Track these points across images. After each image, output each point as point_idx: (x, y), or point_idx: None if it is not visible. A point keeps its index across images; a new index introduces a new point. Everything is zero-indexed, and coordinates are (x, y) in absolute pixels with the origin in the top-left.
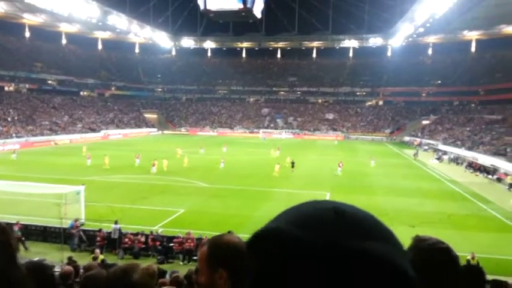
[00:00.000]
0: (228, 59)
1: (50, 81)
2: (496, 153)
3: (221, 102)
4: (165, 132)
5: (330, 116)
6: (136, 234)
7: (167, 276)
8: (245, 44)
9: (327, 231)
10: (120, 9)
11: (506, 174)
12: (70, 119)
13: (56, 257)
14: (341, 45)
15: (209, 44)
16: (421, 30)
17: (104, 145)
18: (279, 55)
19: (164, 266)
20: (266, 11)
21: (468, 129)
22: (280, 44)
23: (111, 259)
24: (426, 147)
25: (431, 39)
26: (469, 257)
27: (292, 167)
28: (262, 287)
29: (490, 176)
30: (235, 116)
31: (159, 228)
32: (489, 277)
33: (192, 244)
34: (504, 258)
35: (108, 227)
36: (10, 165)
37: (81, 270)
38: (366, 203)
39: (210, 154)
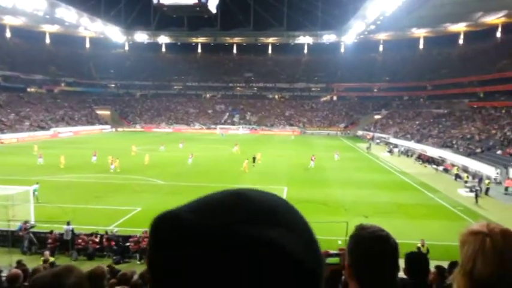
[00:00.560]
0: (183, 54)
1: None
2: (443, 146)
3: (177, 98)
4: (119, 129)
5: (287, 112)
6: (90, 234)
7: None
8: (200, 39)
9: (224, 217)
10: (69, 2)
11: (453, 165)
12: (17, 116)
13: (4, 261)
14: (296, 42)
15: (163, 39)
16: (372, 27)
17: (55, 143)
18: (234, 51)
19: (121, 266)
20: (221, 6)
21: (417, 123)
22: (236, 40)
23: (64, 261)
24: (378, 141)
25: (382, 36)
26: (419, 244)
27: (254, 162)
28: (160, 271)
29: (437, 167)
30: (192, 112)
31: (114, 228)
32: (439, 263)
33: None
34: (452, 244)
35: (60, 228)
36: None
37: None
38: (322, 196)
39: (169, 151)
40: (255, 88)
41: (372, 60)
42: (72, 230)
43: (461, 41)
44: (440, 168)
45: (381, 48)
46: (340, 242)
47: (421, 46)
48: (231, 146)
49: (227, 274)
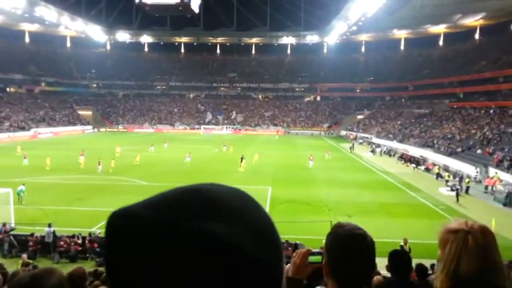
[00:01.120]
0: (166, 54)
1: None
2: (425, 145)
3: (160, 98)
4: (101, 129)
5: (270, 112)
6: (72, 236)
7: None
8: (183, 39)
9: (173, 211)
10: (49, 1)
11: (434, 165)
12: None
13: None
14: (279, 42)
15: (146, 39)
16: (354, 28)
17: (36, 144)
18: (218, 51)
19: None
20: (204, 5)
21: (399, 123)
22: (219, 40)
23: (46, 264)
24: (361, 141)
25: (364, 37)
26: (402, 243)
27: (241, 161)
28: (114, 269)
29: (419, 167)
30: (175, 113)
31: (97, 230)
32: (422, 261)
33: None
34: (434, 243)
35: (41, 230)
36: None
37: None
38: (306, 196)
39: (156, 152)
40: (239, 88)
41: (355, 60)
42: (54, 232)
43: (441, 42)
44: (422, 167)
45: (363, 49)
46: (324, 241)
47: (402, 47)
48: (216, 146)
49: (175, 271)
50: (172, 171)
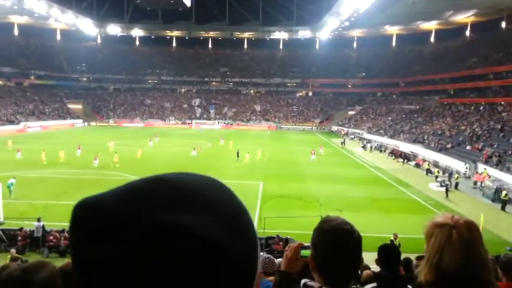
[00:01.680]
0: (157, 47)
1: None
2: (415, 141)
3: (151, 92)
4: (92, 123)
5: (262, 107)
6: (62, 231)
7: None
8: (175, 33)
9: (136, 201)
10: None
11: (424, 160)
12: None
13: None
14: (271, 37)
15: (137, 32)
16: (346, 24)
17: (27, 138)
18: (210, 45)
19: None
20: None
21: (390, 118)
22: (211, 34)
23: (35, 258)
24: (352, 136)
25: (356, 33)
26: (392, 238)
27: (238, 156)
28: (79, 260)
29: (409, 162)
30: (167, 107)
31: None
32: (411, 255)
33: None
34: (423, 237)
35: (30, 225)
36: None
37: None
38: (297, 191)
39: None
40: (231, 83)
41: (347, 56)
42: (43, 227)
43: (432, 39)
44: (412, 163)
45: (355, 44)
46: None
47: (394, 43)
48: (210, 140)
49: (138, 263)
50: (164, 165)
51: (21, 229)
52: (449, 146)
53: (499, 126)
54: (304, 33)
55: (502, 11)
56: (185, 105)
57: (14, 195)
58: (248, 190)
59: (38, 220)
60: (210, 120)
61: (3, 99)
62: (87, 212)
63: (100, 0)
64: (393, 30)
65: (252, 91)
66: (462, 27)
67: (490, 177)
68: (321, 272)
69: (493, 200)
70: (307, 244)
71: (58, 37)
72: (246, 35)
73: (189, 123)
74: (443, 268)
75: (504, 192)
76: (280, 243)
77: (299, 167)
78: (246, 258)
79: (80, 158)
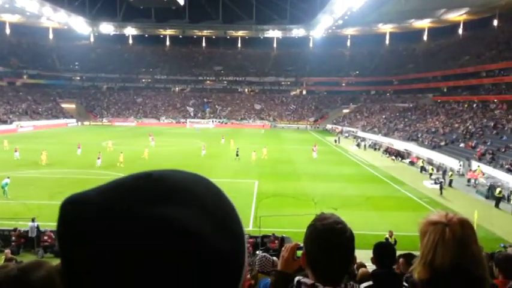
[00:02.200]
0: (151, 46)
1: None
2: (409, 139)
3: (145, 91)
4: (85, 123)
5: (257, 105)
6: None
7: None
8: (168, 31)
9: (129, 198)
10: None
11: (418, 158)
12: None
13: None
14: (265, 35)
15: (130, 31)
16: (340, 22)
17: (17, 138)
18: (204, 44)
19: None
20: None
21: (384, 116)
22: (205, 32)
23: (30, 259)
24: (347, 135)
25: (350, 31)
26: (387, 235)
27: (237, 155)
28: (67, 256)
29: (404, 160)
30: (161, 106)
31: None
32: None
33: None
34: (418, 235)
35: (24, 225)
36: None
37: None
38: (292, 189)
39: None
40: (225, 82)
41: (340, 55)
42: (38, 227)
43: (425, 37)
44: (406, 161)
45: (348, 43)
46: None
47: (387, 41)
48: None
49: (127, 259)
50: (160, 165)
51: (15, 230)
52: (443, 143)
53: (492, 124)
54: (297, 32)
55: (494, 9)
56: (179, 104)
57: (9, 196)
58: (243, 189)
59: (33, 220)
60: (204, 119)
61: None
62: (74, 208)
63: None
64: (386, 28)
65: (246, 90)
66: (455, 25)
67: (483, 174)
68: (313, 269)
69: (487, 197)
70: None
71: (51, 36)
72: (240, 33)
73: (183, 122)
74: (437, 266)
75: (498, 190)
76: (276, 241)
77: (294, 165)
78: (234, 255)
79: (80, 157)
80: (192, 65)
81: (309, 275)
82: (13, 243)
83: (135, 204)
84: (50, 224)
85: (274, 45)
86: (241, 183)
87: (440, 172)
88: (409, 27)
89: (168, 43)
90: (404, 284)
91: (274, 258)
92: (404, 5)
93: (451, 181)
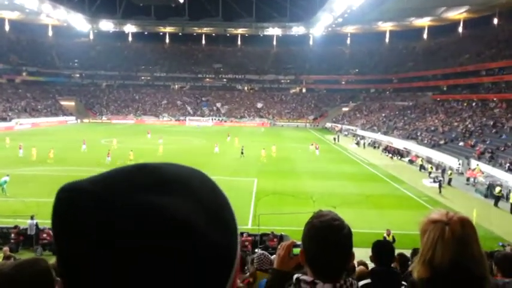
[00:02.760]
0: (150, 43)
1: None
2: (408, 137)
3: (144, 88)
4: (85, 120)
5: (256, 104)
6: None
7: None
8: (168, 29)
9: (125, 187)
10: None
11: (417, 157)
12: None
13: None
14: (265, 33)
15: (130, 28)
16: (340, 20)
17: (15, 136)
18: (203, 41)
19: None
20: None
21: (383, 115)
22: (205, 30)
23: (29, 256)
24: (346, 133)
25: (349, 29)
26: (385, 234)
27: (242, 153)
28: (62, 244)
29: (403, 159)
30: (160, 103)
31: None
32: (405, 251)
33: None
34: (417, 233)
35: (23, 223)
36: None
37: None
38: (291, 187)
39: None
40: (225, 79)
41: (340, 53)
42: (37, 225)
43: (425, 35)
44: (406, 159)
45: (348, 41)
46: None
47: (387, 40)
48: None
49: (125, 241)
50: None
51: (15, 227)
52: (442, 142)
53: (491, 123)
54: (297, 30)
55: (494, 8)
56: (178, 102)
57: (8, 193)
58: (242, 187)
59: (31, 218)
60: (203, 117)
61: None
62: (70, 196)
63: None
64: (386, 26)
65: (245, 88)
66: (455, 23)
67: (482, 173)
68: (311, 266)
69: (486, 196)
70: (300, 242)
71: (50, 33)
72: (240, 31)
73: (182, 120)
74: (436, 264)
75: (498, 189)
76: (275, 239)
77: (293, 163)
78: (226, 248)
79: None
80: (191, 63)
81: (307, 272)
82: (12, 241)
83: (130, 193)
84: (49, 221)
85: (274, 43)
86: (241, 181)
87: (440, 171)
88: (409, 26)
89: (167, 40)
90: (403, 283)
91: (273, 256)
92: (405, 3)
93: (450, 180)
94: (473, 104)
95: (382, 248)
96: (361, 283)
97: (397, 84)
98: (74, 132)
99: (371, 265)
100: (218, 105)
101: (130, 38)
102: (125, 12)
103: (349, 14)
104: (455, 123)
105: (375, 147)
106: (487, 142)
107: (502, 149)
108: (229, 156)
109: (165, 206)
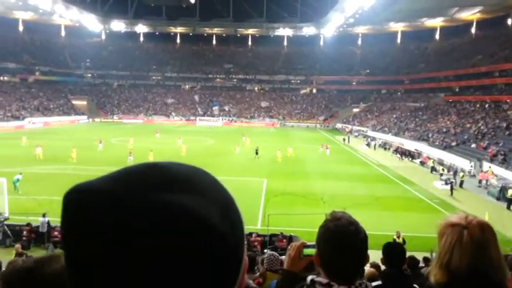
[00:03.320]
0: (161, 44)
1: None
2: (420, 139)
3: (155, 88)
4: (96, 120)
5: (266, 104)
6: None
7: None
8: (179, 29)
9: (137, 185)
10: None
11: (429, 158)
12: None
13: None
14: (276, 34)
15: (141, 28)
16: (351, 20)
17: (26, 135)
18: (214, 41)
19: None
20: None
21: (394, 116)
22: (215, 30)
23: (40, 254)
24: (357, 134)
25: (361, 29)
26: (394, 236)
27: (256, 154)
28: (72, 245)
29: (414, 160)
30: (171, 103)
31: None
32: (416, 254)
33: None
34: (428, 236)
35: (35, 220)
36: None
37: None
38: (301, 188)
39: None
40: (235, 80)
41: (351, 53)
42: (48, 222)
43: (437, 36)
44: (417, 161)
45: (359, 41)
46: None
47: (398, 40)
48: (218, 138)
49: (141, 240)
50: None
51: (28, 224)
52: (454, 143)
53: (505, 125)
54: (308, 30)
55: (509, 8)
56: (189, 102)
57: (20, 191)
58: (252, 187)
59: (43, 216)
60: (214, 117)
61: (8, 95)
62: (78, 197)
63: None
64: (398, 27)
65: (256, 88)
66: (467, 24)
67: (495, 175)
68: (326, 269)
69: (498, 199)
70: (310, 243)
71: (63, 33)
72: (250, 31)
73: (193, 120)
74: (453, 269)
75: (511, 191)
76: (284, 240)
77: (303, 164)
78: (236, 245)
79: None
80: (202, 63)
81: (321, 274)
82: (24, 238)
83: (144, 192)
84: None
85: (285, 43)
86: (250, 181)
87: (451, 173)
88: (420, 26)
89: (178, 41)
90: (415, 286)
91: (283, 257)
92: (417, 4)
93: (462, 182)
94: (486, 105)
95: (393, 250)
96: (373, 284)
97: (408, 85)
98: (85, 131)
99: (382, 267)
100: (228, 105)
101: (141, 38)
102: (136, 13)
103: (360, 14)
104: (468, 125)
105: (385, 148)
106: (500, 144)
107: None
108: (244, 157)
109: (184, 205)
